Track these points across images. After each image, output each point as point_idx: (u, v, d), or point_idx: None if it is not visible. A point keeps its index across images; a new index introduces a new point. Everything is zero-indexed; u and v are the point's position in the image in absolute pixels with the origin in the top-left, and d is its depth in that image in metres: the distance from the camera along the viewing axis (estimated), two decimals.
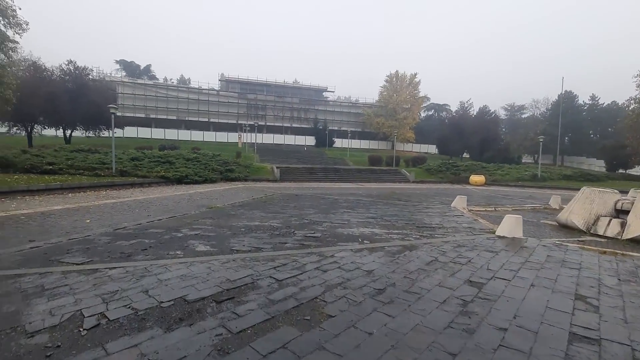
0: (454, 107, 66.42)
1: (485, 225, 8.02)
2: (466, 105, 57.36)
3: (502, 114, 64.95)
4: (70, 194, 12.58)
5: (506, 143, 47.96)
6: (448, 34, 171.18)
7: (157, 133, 46.39)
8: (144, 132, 45.81)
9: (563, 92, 52.79)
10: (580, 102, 57.18)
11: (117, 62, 67.44)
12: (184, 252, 5.14)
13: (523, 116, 69.00)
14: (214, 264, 4.49)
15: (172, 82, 62.62)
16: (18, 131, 29.89)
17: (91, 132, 33.13)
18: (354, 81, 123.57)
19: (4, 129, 30.00)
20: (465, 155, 51.04)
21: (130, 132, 42.94)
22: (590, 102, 57.34)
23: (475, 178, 27.44)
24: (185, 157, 23.19)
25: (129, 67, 67.47)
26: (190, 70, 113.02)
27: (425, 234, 6.76)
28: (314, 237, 6.33)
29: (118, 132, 33.55)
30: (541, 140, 29.18)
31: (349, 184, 24.71)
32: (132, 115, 46.69)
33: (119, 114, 30.19)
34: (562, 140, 48.58)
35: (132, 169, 18.65)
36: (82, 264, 4.45)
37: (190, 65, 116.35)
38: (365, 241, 6.01)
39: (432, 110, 72.43)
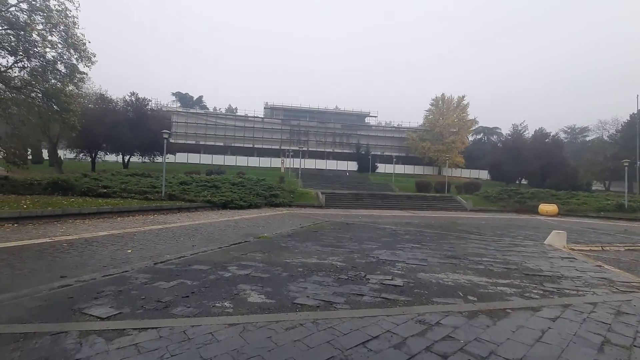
0: (504, 130, 62.15)
1: (622, 276, 5.92)
2: (520, 128, 52.96)
3: (561, 136, 59.26)
4: (119, 218, 12.33)
5: (573, 168, 42.83)
6: (493, 55, 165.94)
7: (205, 159, 48.12)
8: (193, 158, 47.71)
9: (637, 112, 46.85)
10: None
11: (173, 94, 73.37)
12: (234, 303, 3.95)
13: (587, 139, 62.73)
14: (275, 329, 3.21)
15: (221, 111, 65.89)
16: (84, 157, 32.19)
17: (147, 158, 34.81)
18: (398, 102, 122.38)
19: (72, 155, 32.49)
20: (523, 181, 46.52)
21: (181, 157, 44.91)
22: None
23: (547, 207, 24.06)
24: (230, 182, 22.97)
25: (183, 99, 72.87)
26: (237, 99, 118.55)
27: (549, 289, 4.95)
28: (395, 286, 4.86)
29: (170, 158, 34.98)
30: (626, 164, 25.16)
31: (400, 212, 22.80)
32: (183, 142, 49.18)
33: (172, 140, 31.46)
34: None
35: (180, 193, 18.56)
36: (107, 318, 3.42)
37: (238, 93, 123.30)
38: (469, 297, 4.41)
39: (482, 134, 68.29)
